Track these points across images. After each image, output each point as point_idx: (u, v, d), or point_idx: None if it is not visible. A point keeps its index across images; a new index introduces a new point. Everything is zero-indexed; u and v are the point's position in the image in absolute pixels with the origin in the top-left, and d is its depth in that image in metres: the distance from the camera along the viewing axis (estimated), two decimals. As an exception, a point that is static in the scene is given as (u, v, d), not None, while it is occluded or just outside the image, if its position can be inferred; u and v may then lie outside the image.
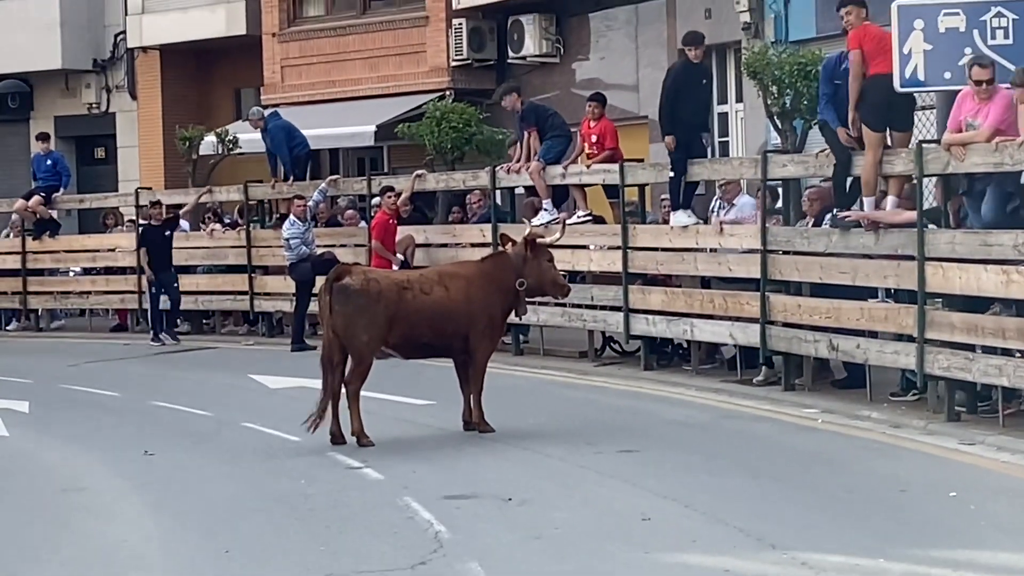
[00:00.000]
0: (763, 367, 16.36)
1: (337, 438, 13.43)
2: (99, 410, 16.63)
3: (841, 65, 14.97)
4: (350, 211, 23.18)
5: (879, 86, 14.41)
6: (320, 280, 16.60)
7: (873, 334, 14.79)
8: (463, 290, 13.88)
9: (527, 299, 14.42)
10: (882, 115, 14.49)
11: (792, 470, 12.04)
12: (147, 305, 23.77)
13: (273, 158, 23.40)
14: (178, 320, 23.83)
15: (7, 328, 26.70)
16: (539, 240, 14.32)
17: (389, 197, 20.93)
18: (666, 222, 17.98)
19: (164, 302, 23.49)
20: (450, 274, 14.17)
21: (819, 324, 15.31)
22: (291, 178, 23.08)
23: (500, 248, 14.96)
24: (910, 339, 14.05)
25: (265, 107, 24.75)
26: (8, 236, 26.91)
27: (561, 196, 19.76)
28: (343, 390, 13.47)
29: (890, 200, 14.61)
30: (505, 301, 14.12)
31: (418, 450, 13.29)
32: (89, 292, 26.06)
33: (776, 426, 14.16)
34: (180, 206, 24.25)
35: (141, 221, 24.26)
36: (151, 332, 23.36)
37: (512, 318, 14.59)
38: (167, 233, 23.51)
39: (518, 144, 20.06)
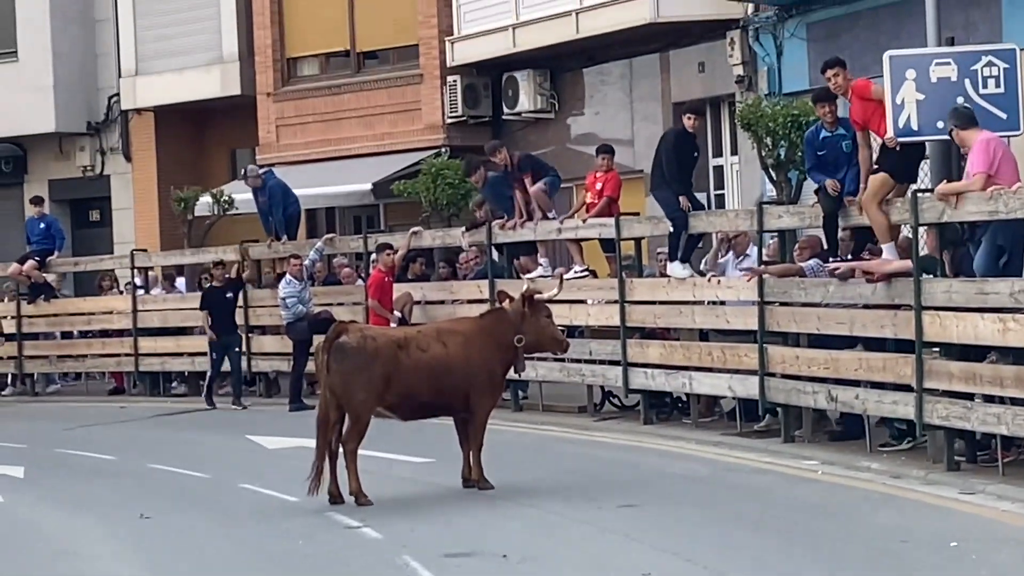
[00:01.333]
0: (767, 414, 16.33)
1: (335, 498, 13.34)
2: (95, 474, 16.54)
3: (819, 135, 15.27)
4: (347, 269, 23.16)
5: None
6: (317, 339, 16.54)
7: (873, 384, 14.73)
8: (461, 347, 13.82)
9: (526, 355, 14.38)
10: (910, 168, 14.53)
11: (793, 522, 11.98)
12: (205, 367, 23.01)
13: (267, 217, 23.36)
14: (241, 387, 22.71)
15: (2, 393, 26.60)
16: (537, 296, 14.28)
17: (387, 255, 20.90)
18: (663, 275, 17.97)
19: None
20: (448, 331, 14.11)
21: (817, 375, 15.27)
22: (283, 237, 23.08)
23: (498, 304, 14.93)
24: (909, 389, 14.00)
25: (261, 167, 24.71)
26: (3, 300, 26.87)
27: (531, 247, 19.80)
28: (340, 449, 13.40)
29: (887, 248, 14.59)
30: (504, 357, 14.05)
31: (417, 508, 13.21)
32: (85, 355, 25.99)
33: (776, 478, 14.10)
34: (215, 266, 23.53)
35: (204, 282, 23.82)
36: (204, 394, 22.75)
37: (511, 374, 14.53)
38: (229, 295, 22.86)
39: (497, 200, 20.05)
